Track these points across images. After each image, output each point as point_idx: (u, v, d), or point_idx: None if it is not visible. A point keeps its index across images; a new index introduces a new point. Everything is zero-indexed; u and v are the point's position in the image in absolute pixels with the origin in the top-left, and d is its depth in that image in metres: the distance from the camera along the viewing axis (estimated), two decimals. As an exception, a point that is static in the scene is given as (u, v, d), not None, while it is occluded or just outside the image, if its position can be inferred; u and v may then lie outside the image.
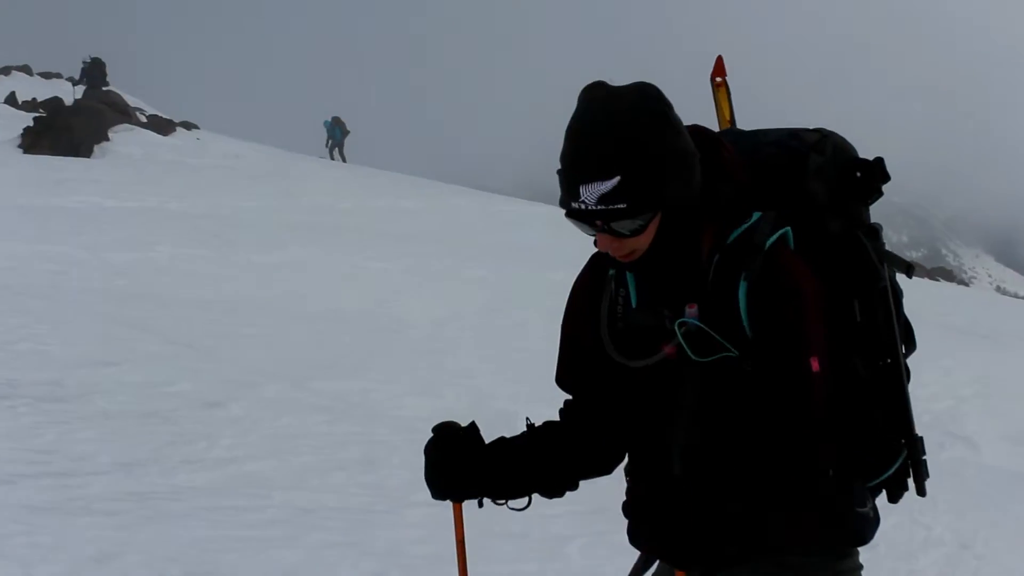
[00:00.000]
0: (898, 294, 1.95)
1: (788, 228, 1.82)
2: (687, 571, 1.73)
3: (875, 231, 1.95)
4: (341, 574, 3.88)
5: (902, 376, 1.90)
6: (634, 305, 1.90)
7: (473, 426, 1.96)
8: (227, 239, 12.26)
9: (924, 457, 1.93)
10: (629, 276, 1.90)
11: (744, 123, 2.31)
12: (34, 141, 20.66)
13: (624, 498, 1.86)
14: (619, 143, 1.68)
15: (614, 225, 1.72)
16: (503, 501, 1.98)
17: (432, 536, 4.12)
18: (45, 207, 13.08)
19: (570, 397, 2.07)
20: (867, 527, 1.89)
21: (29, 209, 12.50)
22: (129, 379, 5.97)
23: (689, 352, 1.79)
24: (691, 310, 1.80)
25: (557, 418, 2.06)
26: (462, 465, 1.92)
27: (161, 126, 27.42)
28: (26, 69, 34.51)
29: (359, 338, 8.49)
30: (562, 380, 2.07)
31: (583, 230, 1.78)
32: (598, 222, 1.72)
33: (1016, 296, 34.09)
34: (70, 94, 27.61)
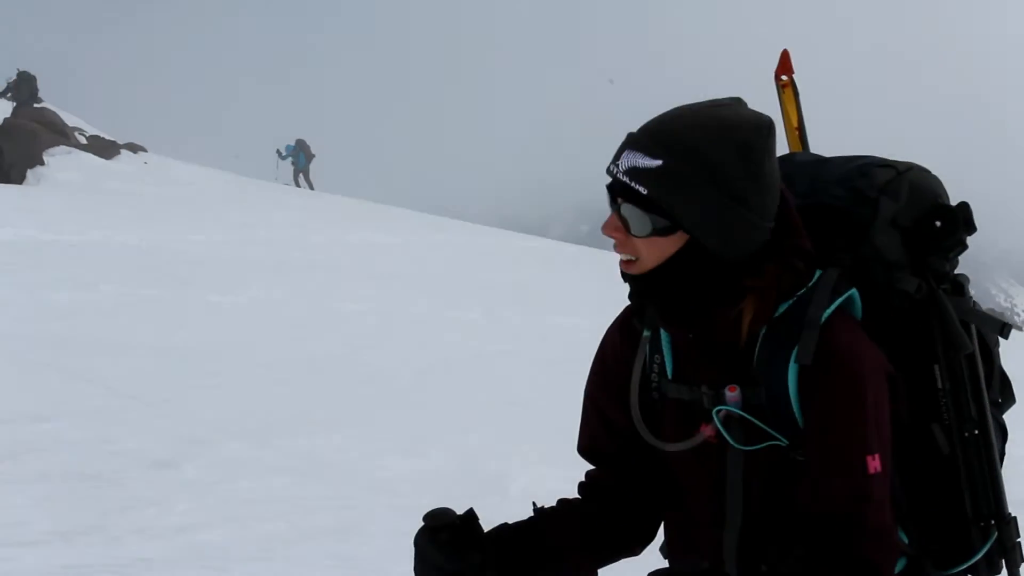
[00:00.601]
0: (991, 353, 1.93)
1: (854, 290, 1.77)
2: None
3: (960, 286, 1.91)
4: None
5: (992, 448, 1.87)
6: (670, 376, 1.88)
7: (471, 513, 1.89)
8: (180, 277, 12.46)
9: (1019, 540, 1.90)
10: (665, 340, 1.88)
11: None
12: None
13: None
14: (693, 136, 1.67)
15: (625, 207, 1.71)
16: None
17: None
18: None
19: (592, 468, 2.03)
20: None
21: None
22: (68, 436, 6.05)
23: (730, 440, 1.77)
24: (732, 394, 1.77)
25: (571, 492, 2.03)
26: (460, 563, 1.83)
27: (104, 148, 27.87)
28: None
29: (331, 389, 8.59)
30: (585, 450, 2.04)
31: (609, 206, 1.78)
32: (618, 199, 1.72)
33: None
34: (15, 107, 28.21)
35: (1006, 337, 1.97)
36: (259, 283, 12.67)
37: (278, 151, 32.34)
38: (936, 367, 1.83)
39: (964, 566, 1.87)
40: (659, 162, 1.65)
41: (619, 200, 1.72)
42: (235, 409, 7.50)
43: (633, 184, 1.67)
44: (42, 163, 23.26)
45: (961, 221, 1.86)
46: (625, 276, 1.79)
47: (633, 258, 1.74)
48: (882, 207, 1.82)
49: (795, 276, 1.75)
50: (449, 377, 9.57)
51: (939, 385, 1.83)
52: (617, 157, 1.71)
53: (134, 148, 29.85)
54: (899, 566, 1.84)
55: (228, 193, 24.89)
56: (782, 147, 2.14)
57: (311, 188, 31.68)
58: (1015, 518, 1.89)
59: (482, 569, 1.83)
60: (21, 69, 30.53)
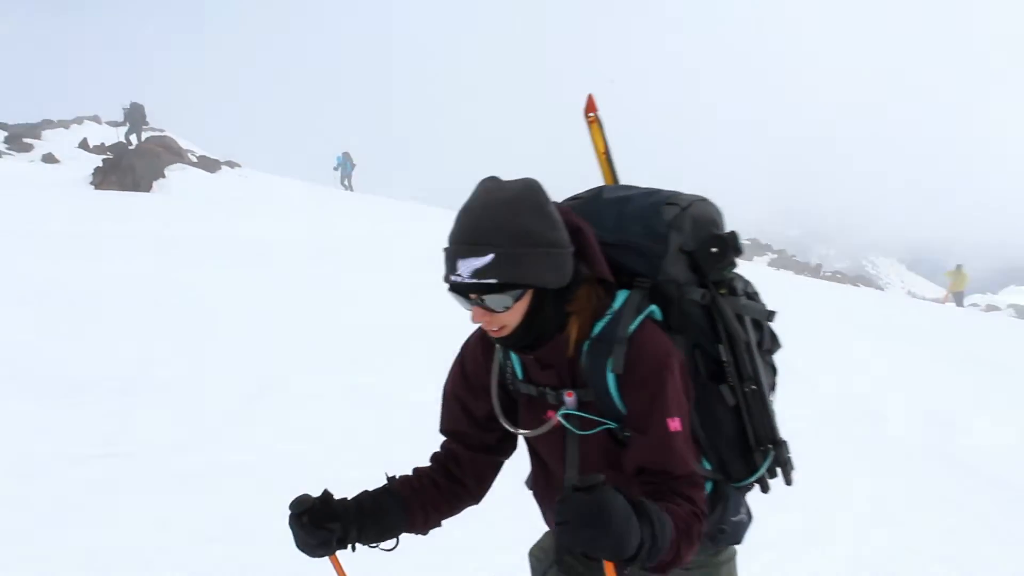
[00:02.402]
0: (762, 325, 1.96)
1: (653, 307, 1.77)
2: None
3: (734, 289, 1.92)
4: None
5: (765, 397, 1.89)
6: (520, 377, 1.86)
7: (326, 494, 1.82)
8: (267, 258, 12.13)
9: (789, 455, 1.93)
10: (514, 357, 1.85)
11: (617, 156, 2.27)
12: (103, 179, 20.94)
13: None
14: (496, 225, 1.61)
15: (486, 299, 1.65)
16: (374, 544, 1.86)
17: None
18: (115, 233, 13.16)
19: (446, 441, 2.00)
20: (741, 530, 1.93)
21: (105, 234, 12.72)
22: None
23: (571, 429, 1.79)
24: (569, 399, 1.77)
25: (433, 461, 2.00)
26: (322, 535, 1.76)
27: (209, 165, 27.61)
28: (95, 119, 35.06)
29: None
30: (448, 432, 1.99)
31: (460, 303, 1.71)
32: (472, 295, 1.66)
33: (923, 299, 34.08)
34: (126, 135, 27.90)
35: (771, 320, 1.99)
36: (332, 264, 12.12)
37: (337, 159, 30.90)
38: (720, 347, 1.84)
39: (752, 479, 1.90)
40: (491, 256, 1.60)
41: (472, 296, 1.66)
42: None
43: (483, 281, 1.62)
44: (163, 177, 22.89)
45: (730, 247, 1.84)
46: (498, 340, 1.73)
47: (501, 327, 1.70)
48: (671, 242, 1.80)
49: (599, 298, 1.75)
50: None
51: (724, 357, 1.84)
52: (454, 268, 1.64)
53: (231, 164, 29.62)
54: (708, 488, 1.87)
55: (301, 195, 24.00)
56: (594, 171, 2.27)
57: (351, 190, 30.08)
58: (786, 442, 1.92)
59: (344, 535, 1.78)
60: (134, 101, 29.60)
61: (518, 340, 1.71)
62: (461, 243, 1.63)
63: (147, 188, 21.20)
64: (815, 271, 59.38)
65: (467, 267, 1.62)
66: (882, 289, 58.50)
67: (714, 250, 1.82)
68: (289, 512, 1.77)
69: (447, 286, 1.67)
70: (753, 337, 1.90)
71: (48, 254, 10.39)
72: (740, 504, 1.92)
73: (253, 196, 22.81)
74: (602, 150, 2.21)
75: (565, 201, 1.91)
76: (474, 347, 1.93)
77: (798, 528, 4.70)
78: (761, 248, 69.87)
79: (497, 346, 1.85)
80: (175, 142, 28.42)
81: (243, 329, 8.04)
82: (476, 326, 1.79)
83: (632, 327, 1.71)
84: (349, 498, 1.83)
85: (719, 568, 1.96)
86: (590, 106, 2.22)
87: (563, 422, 1.78)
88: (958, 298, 22.88)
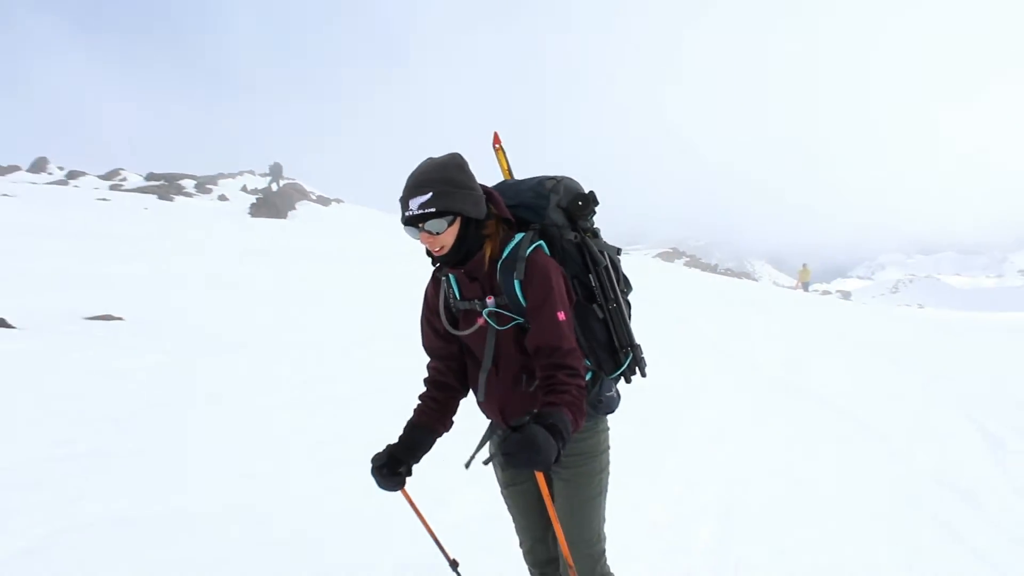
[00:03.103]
0: (616, 264, 2.24)
1: (541, 242, 2.10)
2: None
3: (596, 233, 2.22)
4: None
5: (623, 313, 2.19)
6: (458, 297, 2.18)
7: (389, 447, 2.18)
8: (355, 260, 15.41)
9: (642, 356, 2.21)
10: (452, 280, 2.17)
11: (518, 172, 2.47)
12: (256, 211, 26.21)
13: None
14: (433, 175, 1.99)
15: (427, 225, 1.98)
16: (417, 461, 2.20)
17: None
18: (264, 246, 17.61)
19: (431, 360, 2.29)
20: (613, 403, 2.26)
21: (258, 248, 16.90)
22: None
23: (493, 324, 2.10)
24: (490, 300, 2.09)
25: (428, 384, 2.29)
26: (394, 473, 2.14)
27: (323, 201, 33.14)
28: (251, 171, 41.37)
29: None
30: (426, 348, 2.29)
31: (411, 235, 2.03)
32: (420, 224, 1.98)
33: (783, 286, 34.80)
34: (269, 183, 34.13)
35: (619, 253, 2.29)
36: (398, 264, 14.77)
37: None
38: (591, 276, 2.16)
39: (619, 372, 2.23)
40: (430, 193, 1.97)
41: (420, 224, 1.99)
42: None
43: (426, 211, 1.96)
44: (295, 209, 27.94)
45: (591, 201, 2.17)
46: (438, 258, 2.06)
47: (441, 247, 2.03)
48: (551, 199, 2.16)
49: (505, 232, 2.11)
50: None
51: (594, 284, 2.16)
52: (406, 207, 1.99)
53: (338, 200, 34.88)
54: (588, 376, 2.18)
55: (379, 221, 28.41)
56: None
57: None
58: (639, 345, 2.22)
59: (407, 471, 2.19)
60: (274, 162, 35.72)
61: (452, 256, 2.05)
62: (410, 187, 1.99)
63: (284, 216, 26.78)
64: (714, 269, 76.38)
65: (415, 203, 1.96)
66: (757, 280, 70.67)
67: (580, 203, 2.16)
68: (371, 465, 2.17)
69: (402, 225, 2.00)
70: (612, 273, 2.20)
71: (229, 257, 14.78)
72: (612, 386, 2.25)
73: (350, 222, 27.62)
74: (507, 172, 2.46)
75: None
76: (430, 287, 2.27)
77: (697, 428, 5.72)
78: (679, 254, 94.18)
79: (442, 280, 2.18)
80: (302, 186, 34.72)
81: (339, 304, 10.21)
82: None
83: (529, 250, 2.07)
84: (396, 442, 2.21)
85: (600, 435, 2.26)
86: (496, 139, 2.47)
87: (487, 319, 2.09)
88: (805, 286, 26.94)
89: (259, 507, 3.81)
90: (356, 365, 7.07)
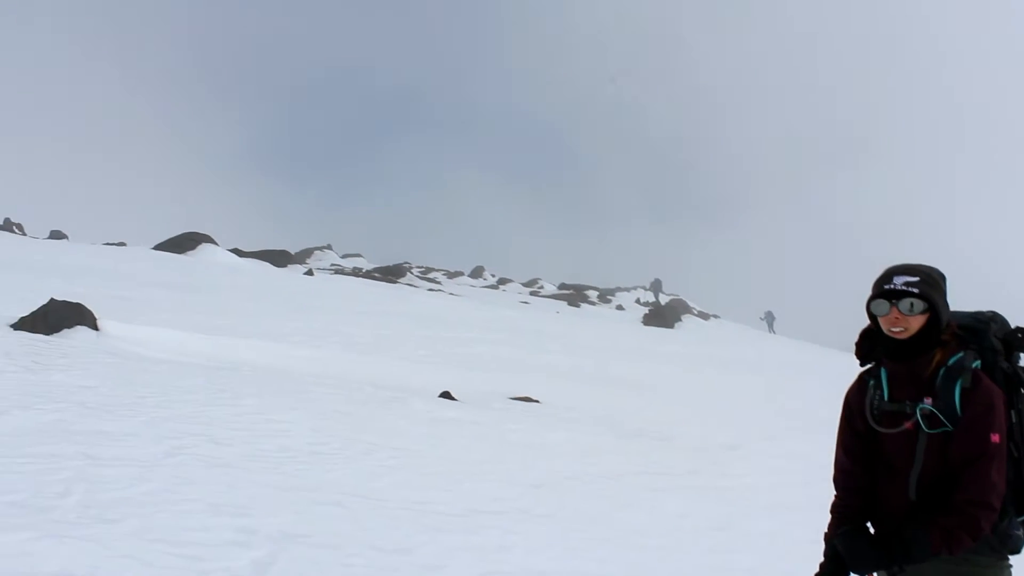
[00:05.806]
0: None
1: (979, 361, 2.14)
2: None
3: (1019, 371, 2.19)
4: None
5: None
6: (886, 398, 2.21)
7: (830, 559, 2.23)
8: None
9: None
10: (884, 380, 2.21)
11: None
12: (648, 320, 28.14)
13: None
14: (924, 268, 2.17)
15: (902, 302, 2.08)
16: None
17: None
18: (654, 350, 18.71)
19: (846, 463, 2.32)
20: (1020, 543, 2.17)
21: (649, 350, 18.73)
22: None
23: (923, 426, 2.10)
24: (927, 401, 2.11)
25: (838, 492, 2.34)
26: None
27: (704, 316, 34.83)
28: (643, 286, 41.34)
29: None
30: (842, 447, 2.33)
31: (876, 310, 2.15)
32: (895, 300, 2.09)
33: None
34: (654, 296, 36.79)
35: None
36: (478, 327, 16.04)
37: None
38: (1013, 412, 2.14)
39: None
40: (918, 277, 2.12)
41: (895, 300, 2.11)
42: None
43: (909, 288, 2.10)
44: (680, 320, 29.49)
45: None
46: (897, 340, 2.13)
47: (903, 329, 2.12)
48: (992, 329, 2.22)
49: (957, 342, 2.17)
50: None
51: (1013, 420, 2.14)
52: (889, 281, 2.13)
53: (716, 316, 36.40)
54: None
55: (752, 337, 29.56)
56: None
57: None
58: None
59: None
60: (655, 278, 37.34)
61: (911, 344, 2.11)
62: (897, 269, 2.15)
63: (671, 326, 27.96)
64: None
65: (900, 280, 2.09)
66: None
67: (1020, 335, 2.22)
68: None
69: (872, 296, 2.15)
70: None
71: (631, 358, 15.97)
72: (1018, 526, 2.17)
73: (725, 337, 29.05)
74: None
75: None
76: (853, 388, 2.33)
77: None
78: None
79: (868, 383, 2.25)
80: (684, 301, 37.35)
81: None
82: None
83: (975, 364, 2.13)
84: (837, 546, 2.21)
85: (999, 573, 2.16)
86: None
87: (919, 419, 2.10)
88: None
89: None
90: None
